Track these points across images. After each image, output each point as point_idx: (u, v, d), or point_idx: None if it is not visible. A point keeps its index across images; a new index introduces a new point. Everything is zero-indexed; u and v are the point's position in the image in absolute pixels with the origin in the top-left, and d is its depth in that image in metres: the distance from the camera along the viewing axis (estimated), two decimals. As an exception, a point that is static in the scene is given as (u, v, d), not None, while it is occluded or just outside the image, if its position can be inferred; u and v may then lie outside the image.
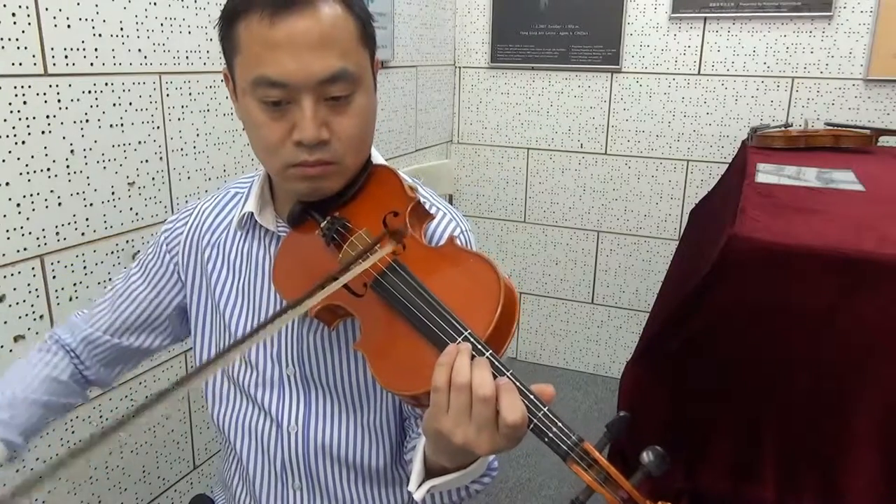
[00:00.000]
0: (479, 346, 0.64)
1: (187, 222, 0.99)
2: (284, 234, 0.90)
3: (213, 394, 0.98)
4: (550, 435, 0.61)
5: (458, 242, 0.79)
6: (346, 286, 0.77)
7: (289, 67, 0.75)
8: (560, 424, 0.61)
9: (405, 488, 0.97)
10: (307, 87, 0.76)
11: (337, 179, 0.83)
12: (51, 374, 0.96)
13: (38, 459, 1.25)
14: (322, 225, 0.83)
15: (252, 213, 0.91)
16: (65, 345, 0.99)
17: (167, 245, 0.99)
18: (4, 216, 1.15)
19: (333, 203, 0.85)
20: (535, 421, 0.62)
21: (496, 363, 0.64)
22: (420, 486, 0.74)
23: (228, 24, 0.80)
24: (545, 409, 0.62)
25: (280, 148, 0.79)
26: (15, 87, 1.14)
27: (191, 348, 1.02)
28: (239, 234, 0.94)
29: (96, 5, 1.26)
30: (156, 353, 1.05)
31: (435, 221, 0.88)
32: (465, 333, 0.65)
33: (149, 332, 1.02)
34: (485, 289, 0.68)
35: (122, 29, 1.31)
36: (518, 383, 0.63)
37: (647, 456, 0.59)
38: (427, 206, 0.85)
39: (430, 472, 0.75)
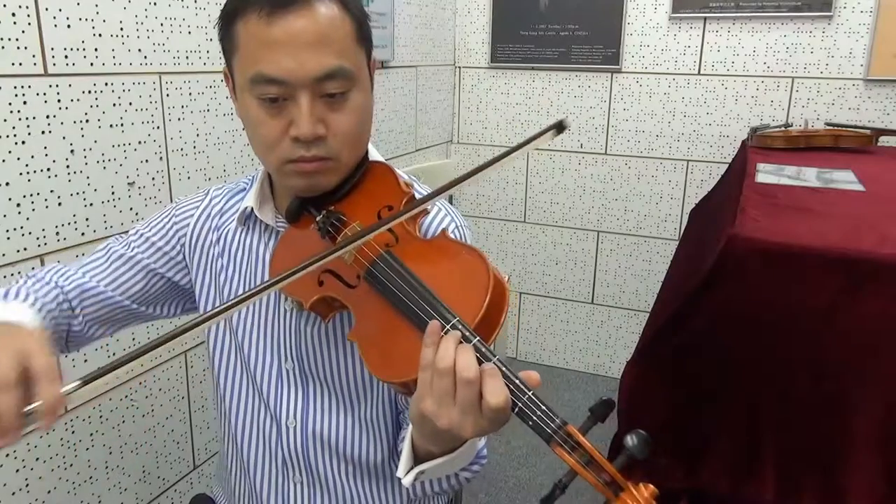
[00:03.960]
0: (468, 333, 0.65)
1: (199, 206, 0.99)
2: (283, 229, 0.91)
3: (231, 385, 0.98)
4: (534, 418, 0.62)
5: (452, 236, 0.79)
6: (339, 277, 0.78)
7: (286, 65, 0.76)
8: (544, 408, 0.62)
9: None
10: (304, 84, 0.77)
11: (333, 175, 0.84)
12: (55, 299, 0.89)
13: (37, 459, 1.25)
14: (318, 219, 0.84)
15: (252, 209, 0.92)
16: (57, 284, 0.91)
17: (177, 223, 0.98)
18: (4, 216, 1.15)
19: (330, 198, 0.86)
20: (520, 405, 0.63)
21: (483, 349, 0.65)
22: (409, 472, 0.74)
23: (227, 23, 0.81)
24: (530, 394, 0.63)
25: (277, 144, 0.80)
26: (15, 87, 1.14)
27: (192, 347, 1.02)
28: (240, 228, 0.95)
29: (96, 5, 1.26)
30: (147, 320, 1.01)
31: (430, 217, 0.89)
32: (454, 321, 0.66)
33: (145, 300, 0.98)
34: (474, 279, 0.70)
35: (122, 29, 1.31)
36: (504, 368, 0.64)
37: (630, 440, 0.60)
38: None
39: (418, 458, 0.75)
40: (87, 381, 0.61)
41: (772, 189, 1.54)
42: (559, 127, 0.75)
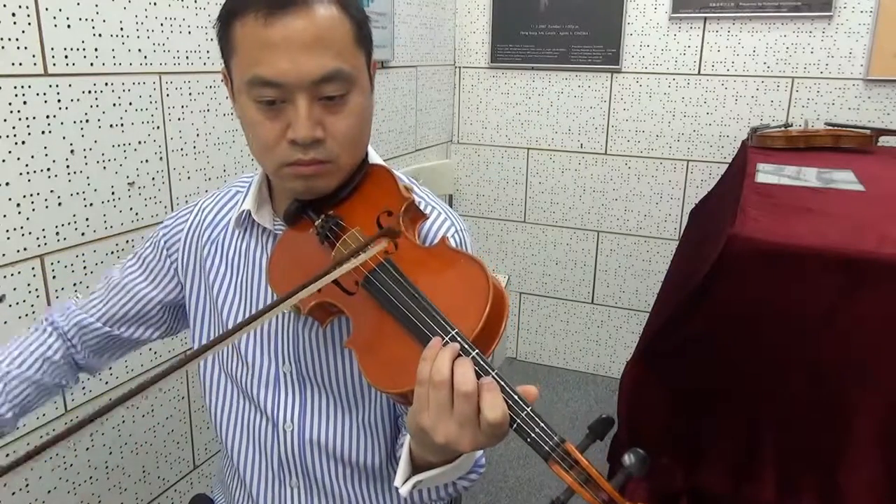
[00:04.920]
0: (466, 346, 0.65)
1: (188, 220, 0.99)
2: (281, 232, 0.90)
3: (215, 393, 0.99)
4: (533, 435, 0.61)
5: (452, 243, 0.79)
6: (337, 283, 0.77)
7: (283, 67, 0.75)
8: (542, 425, 0.62)
9: None
10: (301, 86, 0.76)
11: (332, 178, 0.83)
12: (45, 353, 0.96)
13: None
14: (316, 223, 0.83)
15: (249, 212, 0.91)
16: (58, 327, 0.99)
17: (167, 246, 0.99)
18: (4, 216, 1.15)
19: (329, 201, 0.85)
20: (518, 421, 0.62)
21: (482, 363, 0.64)
22: (406, 481, 0.74)
23: (225, 24, 0.80)
24: (528, 410, 0.62)
25: (275, 147, 0.80)
26: (15, 87, 1.14)
27: (190, 348, 1.02)
28: (237, 232, 0.95)
29: (96, 5, 1.26)
30: (145, 344, 1.06)
31: (429, 221, 0.88)
32: (453, 333, 0.65)
33: (141, 325, 1.02)
34: (474, 290, 0.69)
35: (122, 29, 1.31)
36: (502, 383, 0.63)
37: (628, 458, 0.60)
38: (422, 207, 0.86)
39: (416, 467, 0.75)
40: None
41: (772, 189, 1.54)
42: (391, 234, 0.75)
